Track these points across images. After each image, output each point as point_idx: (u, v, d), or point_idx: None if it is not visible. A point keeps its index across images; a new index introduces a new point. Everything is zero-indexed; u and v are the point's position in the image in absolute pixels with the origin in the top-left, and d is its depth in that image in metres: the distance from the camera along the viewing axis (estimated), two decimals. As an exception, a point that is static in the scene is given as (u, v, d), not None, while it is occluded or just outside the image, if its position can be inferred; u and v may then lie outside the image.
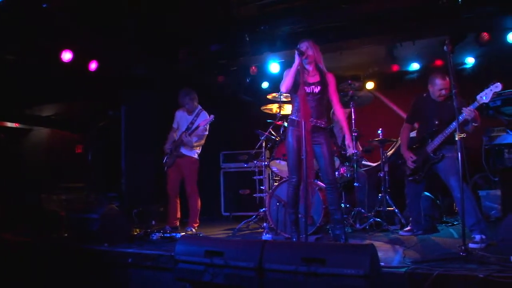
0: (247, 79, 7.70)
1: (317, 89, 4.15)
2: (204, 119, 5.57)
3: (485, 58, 7.15)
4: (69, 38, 5.81)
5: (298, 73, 4.02)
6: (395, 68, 7.72)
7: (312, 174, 3.84)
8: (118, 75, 6.85)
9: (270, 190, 5.29)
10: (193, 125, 5.68)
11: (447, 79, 4.45)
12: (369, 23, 5.60)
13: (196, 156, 5.83)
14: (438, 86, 4.49)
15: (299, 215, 4.32)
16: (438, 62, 7.43)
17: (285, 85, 4.10)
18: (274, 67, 6.98)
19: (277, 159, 5.44)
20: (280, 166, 5.59)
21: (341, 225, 4.16)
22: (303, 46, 4.13)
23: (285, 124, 5.68)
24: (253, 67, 7.03)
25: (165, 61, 6.65)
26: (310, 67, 4.22)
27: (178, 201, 5.90)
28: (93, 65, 6.26)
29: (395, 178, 5.86)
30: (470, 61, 7.36)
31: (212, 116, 5.55)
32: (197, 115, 5.75)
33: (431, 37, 5.83)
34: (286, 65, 6.99)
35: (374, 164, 6.25)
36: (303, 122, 3.85)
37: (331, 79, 4.23)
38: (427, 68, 7.54)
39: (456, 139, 3.59)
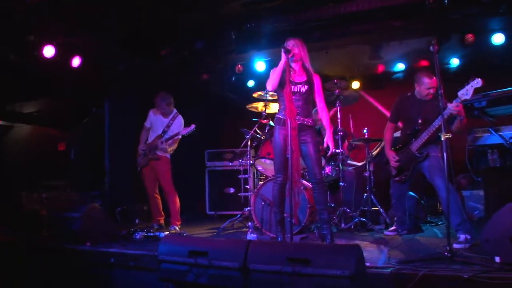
0: (232, 78, 7.65)
1: (304, 88, 4.12)
2: (186, 129, 5.54)
3: (469, 59, 7.21)
4: (51, 33, 5.70)
5: (284, 71, 3.98)
6: (381, 68, 7.75)
7: (298, 173, 3.80)
8: (102, 71, 6.73)
9: (255, 189, 5.24)
10: (169, 129, 5.65)
11: (434, 78, 4.44)
12: (355, 22, 5.57)
13: (169, 156, 5.83)
14: (426, 85, 4.48)
15: (285, 215, 4.29)
16: (424, 63, 7.48)
17: (271, 83, 4.06)
18: (259, 65, 6.95)
19: (262, 158, 5.41)
20: (265, 165, 5.56)
21: (327, 225, 4.14)
22: (289, 44, 4.10)
23: (271, 122, 5.67)
24: (239, 65, 6.99)
25: (150, 58, 6.56)
26: (296, 66, 4.19)
27: (159, 197, 5.88)
28: (76, 61, 6.14)
29: (380, 178, 5.88)
30: (454, 62, 7.43)
31: (193, 126, 5.53)
32: (173, 119, 5.74)
33: (417, 37, 5.84)
34: (272, 63, 6.99)
35: (360, 164, 6.26)
36: (289, 121, 3.81)
37: (317, 80, 4.22)
38: (412, 69, 7.56)
39: (442, 139, 3.58)
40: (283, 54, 3.98)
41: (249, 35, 5.83)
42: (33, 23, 5.44)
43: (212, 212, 7.65)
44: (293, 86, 4.07)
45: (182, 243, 3.29)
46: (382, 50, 6.28)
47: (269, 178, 5.20)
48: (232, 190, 7.56)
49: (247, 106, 6.01)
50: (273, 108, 5.89)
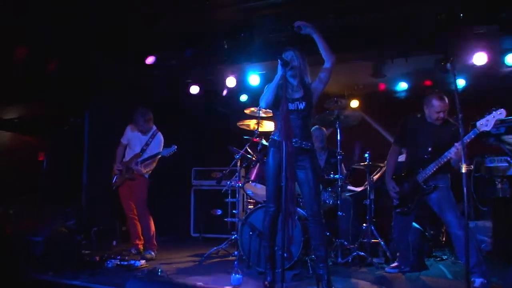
0: (223, 91, 7.13)
1: (301, 105, 3.62)
2: (166, 150, 5.09)
3: (477, 81, 6.76)
4: (25, 35, 5.20)
5: (281, 87, 3.47)
6: (382, 86, 7.30)
7: (293, 205, 3.27)
8: (82, 78, 6.21)
9: (243, 216, 4.70)
10: (148, 147, 5.16)
11: (446, 100, 4.03)
12: (359, 36, 5.10)
13: (147, 176, 5.34)
14: (436, 108, 4.03)
15: (275, 248, 3.75)
16: (428, 82, 7.06)
17: (265, 100, 3.56)
18: (253, 79, 6.44)
19: (253, 181, 4.86)
20: (255, 190, 5.02)
21: (324, 263, 3.59)
22: (288, 55, 3.59)
23: (263, 141, 5.17)
24: (231, 78, 6.47)
25: (135, 65, 6.04)
26: (294, 81, 3.69)
27: (138, 221, 5.31)
28: (52, 65, 5.62)
29: (381, 205, 5.40)
30: (460, 83, 6.97)
31: (174, 146, 5.09)
32: (153, 136, 5.28)
33: (425, 55, 5.38)
34: (267, 77, 6.50)
35: (358, 189, 5.75)
36: (284, 143, 3.29)
37: (314, 84, 3.72)
38: (416, 88, 7.16)
39: (463, 171, 3.08)
40: (280, 67, 3.48)
41: (243, 45, 5.33)
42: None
43: (197, 235, 7.11)
44: (289, 104, 3.56)
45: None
46: (386, 67, 5.79)
47: (259, 205, 4.65)
48: (219, 212, 6.99)
49: (238, 123, 5.48)
50: (267, 126, 5.39)
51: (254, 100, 7.50)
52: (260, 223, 4.36)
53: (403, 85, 7.21)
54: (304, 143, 3.60)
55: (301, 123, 3.62)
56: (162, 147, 5.22)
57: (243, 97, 7.62)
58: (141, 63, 5.76)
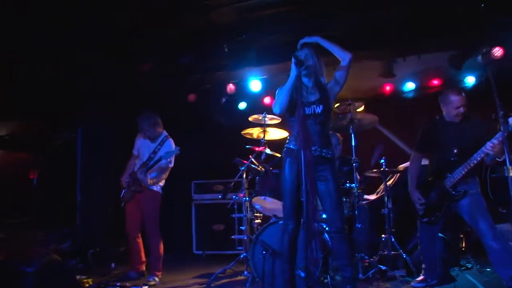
0: (222, 99, 6.75)
1: (319, 109, 3.26)
2: (167, 151, 4.60)
3: (488, 78, 6.43)
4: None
5: (296, 89, 3.11)
6: (388, 87, 6.95)
7: (316, 222, 2.88)
8: (75, 89, 5.83)
9: (254, 235, 4.30)
10: (155, 155, 4.70)
11: (463, 94, 3.75)
12: (369, 34, 4.76)
13: (158, 189, 4.85)
14: (455, 103, 3.74)
15: (298, 272, 3.35)
16: (436, 81, 6.75)
17: (279, 104, 3.19)
18: (255, 84, 6.08)
19: (262, 195, 4.47)
20: (265, 204, 4.62)
21: (351, 285, 3.19)
22: (302, 54, 3.22)
23: (267, 151, 4.79)
24: (231, 85, 6.10)
25: (130, 75, 5.65)
26: (309, 82, 3.33)
27: (141, 242, 4.89)
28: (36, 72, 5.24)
29: (397, 210, 5.06)
30: (470, 80, 6.66)
31: (176, 148, 4.63)
32: (161, 144, 4.80)
33: (441, 51, 5.05)
34: (269, 82, 6.15)
35: (372, 197, 5.37)
36: (302, 152, 2.91)
37: (330, 84, 3.37)
38: (423, 88, 6.84)
39: (509, 175, 2.73)
40: (293, 67, 3.11)
41: (244, 48, 4.96)
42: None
43: (200, 252, 6.69)
44: (306, 108, 3.18)
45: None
46: (397, 66, 5.46)
47: (271, 221, 4.26)
48: (222, 227, 6.62)
49: (243, 132, 5.09)
50: (273, 134, 5.02)
51: (254, 107, 7.19)
52: (273, 240, 4.00)
53: (410, 85, 6.89)
54: (324, 151, 3.23)
55: (319, 129, 3.25)
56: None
57: (242, 105, 7.27)
58: (137, 72, 5.35)
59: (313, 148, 3.11)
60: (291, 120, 3.30)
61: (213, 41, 5.00)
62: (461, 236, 5.64)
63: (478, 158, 3.56)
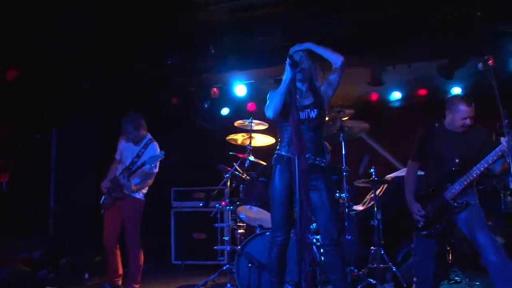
0: (205, 104, 6.52)
1: (313, 113, 3.08)
2: (151, 156, 4.33)
3: (474, 89, 6.39)
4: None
5: (289, 92, 2.92)
6: (374, 96, 6.86)
7: (309, 233, 2.69)
8: (50, 89, 5.52)
9: (239, 246, 4.08)
10: (139, 159, 4.43)
11: (473, 105, 3.54)
12: (360, 38, 4.63)
13: (141, 197, 4.57)
14: (462, 113, 3.53)
15: (286, 286, 3.14)
16: (422, 91, 6.69)
17: (272, 108, 2.99)
18: (240, 89, 5.88)
19: (247, 204, 4.25)
20: (250, 213, 4.40)
21: (344, 302, 3.00)
22: (297, 55, 3.03)
23: (251, 158, 4.60)
24: (215, 89, 5.88)
25: (111, 76, 5.37)
26: (303, 86, 3.15)
27: (119, 254, 4.56)
28: (12, 73, 4.91)
29: (385, 222, 4.90)
30: (456, 91, 6.60)
31: (161, 152, 4.35)
32: (145, 147, 4.50)
33: (433, 60, 4.96)
34: (254, 88, 5.97)
35: (360, 208, 5.22)
36: (296, 159, 2.71)
37: (323, 87, 3.22)
38: (409, 98, 6.78)
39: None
40: (288, 68, 2.93)
41: (231, 50, 4.74)
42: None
43: (179, 262, 6.41)
44: (300, 112, 3.00)
45: None
46: (386, 74, 5.33)
47: (257, 232, 4.04)
48: (203, 235, 6.36)
49: (228, 138, 4.88)
50: (260, 140, 4.83)
51: (237, 113, 7.00)
52: (259, 253, 3.79)
53: (396, 95, 6.81)
54: (318, 159, 3.05)
55: (313, 135, 3.07)
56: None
57: (225, 111, 7.08)
58: (118, 73, 5.08)
59: (306, 156, 2.91)
60: (284, 125, 3.11)
61: (200, 41, 4.77)
62: (448, 248, 5.54)
63: (481, 169, 3.41)
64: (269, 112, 3.00)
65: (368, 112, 7.07)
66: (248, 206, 4.25)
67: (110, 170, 4.71)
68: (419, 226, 3.76)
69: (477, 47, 4.87)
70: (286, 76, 2.96)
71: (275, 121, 3.21)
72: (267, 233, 3.87)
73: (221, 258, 6.09)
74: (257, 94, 6.19)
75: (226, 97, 6.24)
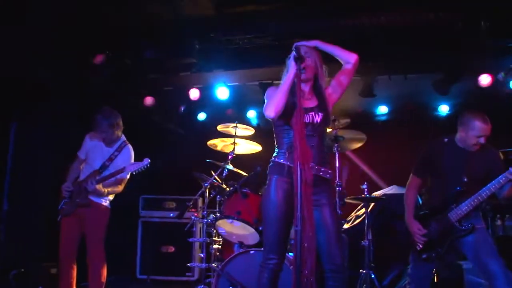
0: (181, 107, 6.04)
1: (318, 118, 2.68)
2: (135, 164, 3.84)
3: (463, 108, 6.19)
4: None
5: (293, 90, 2.53)
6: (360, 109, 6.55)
7: (312, 257, 2.26)
8: (9, 79, 4.92)
9: (213, 263, 3.60)
10: (111, 163, 3.91)
11: (489, 123, 3.28)
12: (353, 46, 4.30)
13: (108, 204, 4.04)
14: (477, 131, 3.26)
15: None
16: (409, 107, 6.41)
17: (274, 106, 2.56)
18: (222, 92, 5.43)
19: (229, 217, 3.79)
20: (231, 228, 3.93)
21: None
22: (302, 49, 2.63)
23: (229, 166, 4.17)
24: (195, 89, 5.41)
25: (79, 67, 4.82)
26: (306, 86, 2.75)
27: (75, 269, 3.98)
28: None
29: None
30: (443, 109, 6.40)
31: (146, 160, 3.84)
32: (119, 150, 3.98)
33: (429, 72, 4.70)
34: (237, 89, 5.55)
35: (348, 225, 4.85)
36: (299, 169, 2.30)
37: (330, 89, 2.86)
38: (396, 112, 6.50)
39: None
40: (292, 62, 2.53)
41: (218, 48, 4.31)
42: None
43: (144, 276, 5.90)
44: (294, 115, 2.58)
45: None
46: (379, 85, 5.03)
47: (240, 251, 3.58)
48: (172, 249, 5.86)
49: (209, 143, 4.45)
50: (244, 147, 4.40)
51: (215, 118, 6.56)
52: (241, 273, 3.35)
53: (383, 109, 6.53)
54: (322, 170, 2.63)
55: (317, 142, 2.66)
56: (130, 162, 3.96)
57: (201, 116, 6.62)
58: (88, 65, 4.55)
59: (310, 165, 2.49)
60: (283, 128, 2.70)
61: (182, 36, 4.30)
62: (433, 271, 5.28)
63: (492, 189, 3.15)
64: (270, 111, 2.57)
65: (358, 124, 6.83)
66: (230, 220, 3.79)
67: (71, 170, 4.14)
68: (418, 249, 3.44)
69: (476, 63, 4.68)
70: (290, 71, 2.56)
71: (273, 124, 2.80)
72: (252, 252, 3.44)
73: (189, 274, 5.72)
74: (238, 98, 5.78)
75: (205, 101, 5.77)
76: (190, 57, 4.51)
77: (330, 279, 2.57)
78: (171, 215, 5.92)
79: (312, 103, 2.73)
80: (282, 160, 2.65)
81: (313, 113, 2.66)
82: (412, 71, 4.81)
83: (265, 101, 2.70)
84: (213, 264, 4.19)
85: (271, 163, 2.74)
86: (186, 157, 6.07)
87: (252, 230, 3.71)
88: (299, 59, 2.51)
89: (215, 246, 4.43)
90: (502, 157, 3.52)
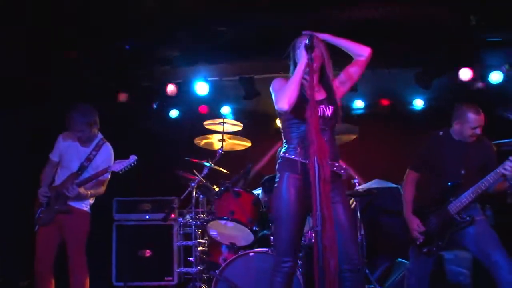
0: (154, 104, 5.77)
1: (329, 111, 2.56)
2: (121, 163, 3.56)
3: (436, 102, 6.27)
4: None
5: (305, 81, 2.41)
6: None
7: (334, 261, 2.12)
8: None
9: (198, 267, 3.40)
10: (90, 164, 3.63)
11: (482, 113, 3.32)
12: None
13: (88, 209, 3.77)
14: (472, 123, 3.30)
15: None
16: (385, 102, 6.43)
17: (288, 97, 2.41)
18: (201, 87, 5.21)
19: (221, 218, 3.60)
20: (225, 229, 3.73)
21: None
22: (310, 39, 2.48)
23: (207, 163, 4.01)
24: (172, 85, 5.17)
25: (47, 61, 4.46)
26: (312, 78, 2.61)
27: (53, 283, 3.65)
28: None
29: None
30: (418, 103, 6.45)
31: (133, 157, 3.57)
32: (97, 149, 3.69)
33: (411, 66, 4.70)
34: (217, 85, 5.35)
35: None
36: (317, 165, 2.16)
37: (338, 81, 2.75)
38: (371, 107, 6.50)
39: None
40: (303, 51, 2.39)
41: (201, 40, 4.09)
42: None
43: (121, 283, 5.53)
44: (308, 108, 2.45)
45: None
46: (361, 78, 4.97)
47: (240, 253, 3.40)
48: (149, 252, 5.58)
49: (196, 140, 4.24)
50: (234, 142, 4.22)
51: (188, 115, 6.35)
52: (242, 278, 3.16)
53: (359, 103, 6.51)
54: (336, 165, 2.51)
55: (330, 137, 2.55)
56: (112, 161, 3.68)
57: (173, 113, 6.38)
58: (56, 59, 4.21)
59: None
60: (292, 122, 2.55)
61: (163, 26, 4.04)
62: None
63: (491, 180, 3.17)
64: (283, 104, 2.41)
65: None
66: (223, 221, 3.60)
67: (43, 174, 3.81)
68: (419, 243, 3.42)
69: (458, 58, 4.72)
70: (301, 60, 2.43)
71: (280, 118, 2.65)
72: (251, 254, 3.27)
73: (169, 278, 5.48)
74: (214, 95, 5.58)
75: (180, 97, 5.53)
76: (171, 51, 4.25)
77: (347, 280, 2.45)
78: (147, 217, 5.66)
79: (320, 95, 2.61)
80: (293, 156, 2.51)
81: (323, 106, 2.54)
82: (394, 65, 4.77)
83: (273, 94, 2.56)
84: (199, 268, 4.02)
85: (280, 159, 2.59)
86: (160, 156, 5.84)
87: (246, 230, 3.54)
88: (310, 48, 2.37)
89: (200, 248, 4.24)
90: (495, 148, 3.56)
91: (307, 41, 2.37)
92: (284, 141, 2.63)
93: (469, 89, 5.21)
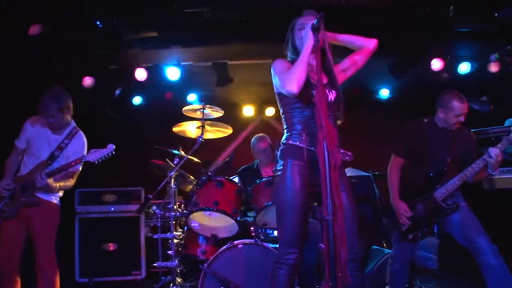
0: (116, 91, 5.46)
1: (332, 95, 2.47)
2: (97, 152, 3.26)
3: (402, 90, 6.37)
4: None
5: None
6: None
7: (345, 251, 2.03)
8: None
9: (205, 264, 3.22)
10: (61, 153, 3.33)
11: (466, 102, 3.35)
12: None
13: (58, 202, 3.48)
14: (455, 111, 3.33)
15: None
16: (355, 91, 6.47)
17: (296, 79, 2.29)
18: (172, 72, 4.98)
19: (204, 209, 3.43)
20: (206, 221, 3.56)
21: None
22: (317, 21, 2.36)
23: (178, 152, 3.84)
24: (142, 69, 4.90)
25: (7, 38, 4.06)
26: (313, 60, 2.49)
27: (19, 282, 3.36)
28: None
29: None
30: (384, 93, 6.55)
31: (111, 146, 3.28)
32: (70, 137, 3.40)
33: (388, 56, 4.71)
34: (188, 71, 5.13)
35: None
36: (326, 152, 2.06)
37: (341, 66, 2.68)
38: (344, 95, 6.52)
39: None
40: (309, 32, 2.27)
41: (179, 21, 3.85)
42: None
43: (85, 280, 5.22)
44: (313, 92, 2.34)
45: None
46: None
47: (228, 245, 3.23)
48: (114, 246, 5.32)
49: (174, 129, 4.02)
50: (211, 131, 4.03)
51: (153, 103, 6.09)
52: (230, 270, 3.04)
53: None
54: (342, 151, 2.42)
55: (334, 122, 2.46)
56: (85, 150, 3.41)
57: (137, 100, 6.12)
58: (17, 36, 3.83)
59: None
60: (295, 106, 2.43)
61: (136, 5, 3.77)
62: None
63: (476, 168, 3.24)
64: (292, 86, 2.28)
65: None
66: (207, 212, 3.43)
67: (8, 164, 3.48)
68: (404, 229, 3.43)
69: (432, 48, 4.78)
70: (308, 42, 2.30)
71: (281, 103, 2.52)
72: (240, 246, 3.13)
73: (136, 272, 5.26)
74: (182, 81, 5.35)
75: (155, 81, 5.26)
76: (148, 31, 3.99)
77: (348, 269, 2.37)
78: (112, 209, 5.39)
79: (323, 79, 2.49)
80: (298, 143, 2.39)
81: (326, 90, 2.43)
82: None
83: (276, 77, 2.42)
84: (176, 262, 3.84)
85: (283, 146, 2.46)
86: (128, 143, 5.53)
87: (231, 221, 3.40)
88: (317, 30, 2.25)
89: (176, 240, 4.04)
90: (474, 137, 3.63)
91: (315, 22, 2.24)
92: (285, 126, 2.51)
93: (437, 79, 5.34)
